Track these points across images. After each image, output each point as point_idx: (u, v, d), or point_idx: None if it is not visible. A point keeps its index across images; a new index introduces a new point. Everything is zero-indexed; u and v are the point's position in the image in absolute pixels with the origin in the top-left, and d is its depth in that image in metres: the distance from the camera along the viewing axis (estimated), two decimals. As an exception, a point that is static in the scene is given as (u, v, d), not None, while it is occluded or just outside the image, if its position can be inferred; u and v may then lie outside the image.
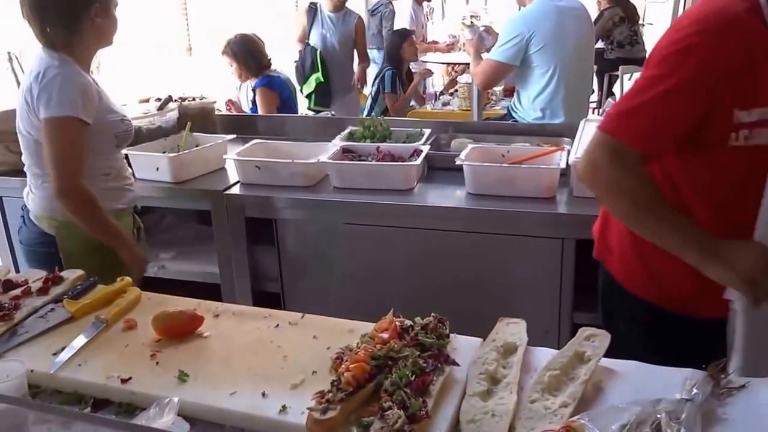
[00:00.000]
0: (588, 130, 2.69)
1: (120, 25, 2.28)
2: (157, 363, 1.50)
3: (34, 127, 2.19)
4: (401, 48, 5.60)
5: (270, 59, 4.45)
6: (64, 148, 2.14)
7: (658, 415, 1.20)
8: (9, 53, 3.86)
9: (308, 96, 5.47)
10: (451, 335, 1.50)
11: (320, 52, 5.37)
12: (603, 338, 1.45)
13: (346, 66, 5.58)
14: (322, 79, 5.36)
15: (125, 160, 2.53)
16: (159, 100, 3.33)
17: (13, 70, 3.59)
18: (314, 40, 5.43)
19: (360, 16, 5.64)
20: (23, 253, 2.46)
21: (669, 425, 1.19)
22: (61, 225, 2.28)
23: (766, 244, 1.48)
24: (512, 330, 1.51)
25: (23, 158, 2.33)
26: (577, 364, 1.39)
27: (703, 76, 1.43)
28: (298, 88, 5.10)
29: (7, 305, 1.68)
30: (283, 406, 1.32)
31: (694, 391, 1.26)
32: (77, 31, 2.19)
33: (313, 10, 5.48)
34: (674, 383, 1.29)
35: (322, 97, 5.42)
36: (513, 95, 3.83)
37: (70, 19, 2.16)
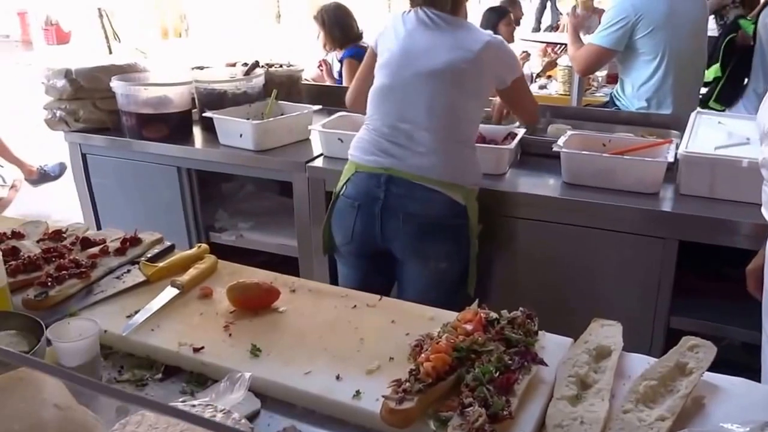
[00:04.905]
0: (700, 124, 2.51)
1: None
2: (230, 335, 1.46)
3: (476, 93, 2.24)
4: (497, 27, 5.41)
5: (361, 32, 4.37)
6: (528, 92, 2.54)
7: (767, 439, 1.09)
8: (99, 9, 3.93)
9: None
10: (540, 332, 1.42)
11: None
12: (708, 350, 1.33)
13: None
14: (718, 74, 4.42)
15: None
16: (246, 64, 3.29)
17: (103, 26, 3.64)
18: None
19: None
20: (423, 227, 2.19)
21: (779, 452, 1.07)
22: (469, 193, 2.20)
23: None
24: (607, 332, 1.41)
25: (448, 122, 2.17)
26: (677, 376, 1.29)
27: None
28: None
29: (84, 263, 1.67)
30: (357, 392, 1.27)
31: (807, 415, 1.13)
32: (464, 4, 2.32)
33: None
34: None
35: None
36: (616, 82, 3.64)
37: None
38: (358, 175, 2.23)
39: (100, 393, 0.86)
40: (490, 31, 2.27)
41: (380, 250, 2.24)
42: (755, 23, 3.89)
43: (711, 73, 4.31)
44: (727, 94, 4.33)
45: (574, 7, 3.56)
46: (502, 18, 5.46)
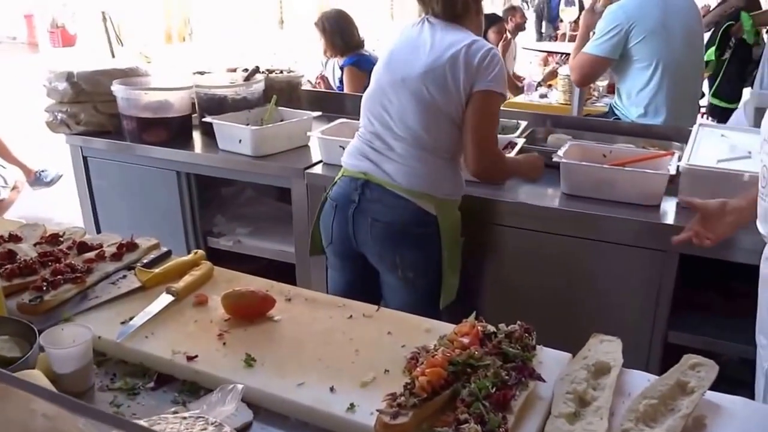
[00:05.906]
0: (702, 136, 2.49)
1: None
2: (224, 343, 1.45)
3: (450, 100, 2.09)
4: (487, 33, 5.37)
5: (362, 40, 4.36)
6: (494, 124, 2.18)
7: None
8: (103, 13, 3.91)
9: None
10: (538, 347, 1.40)
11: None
12: (710, 369, 1.31)
13: None
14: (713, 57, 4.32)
15: None
16: (246, 70, 3.28)
17: (107, 30, 3.62)
18: None
19: None
20: (389, 234, 2.16)
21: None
22: (442, 204, 2.16)
23: None
24: (606, 348, 1.39)
25: (419, 130, 2.12)
26: (678, 395, 1.27)
27: None
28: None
29: (80, 268, 1.66)
30: (351, 404, 1.25)
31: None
32: (466, 13, 2.21)
33: None
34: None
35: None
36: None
37: None
38: (343, 179, 2.25)
39: (76, 413, 0.83)
40: (477, 37, 2.15)
41: (358, 253, 2.23)
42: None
43: (708, 55, 4.43)
44: (724, 90, 4.41)
45: (594, 2, 3.42)
46: (492, 25, 5.41)
